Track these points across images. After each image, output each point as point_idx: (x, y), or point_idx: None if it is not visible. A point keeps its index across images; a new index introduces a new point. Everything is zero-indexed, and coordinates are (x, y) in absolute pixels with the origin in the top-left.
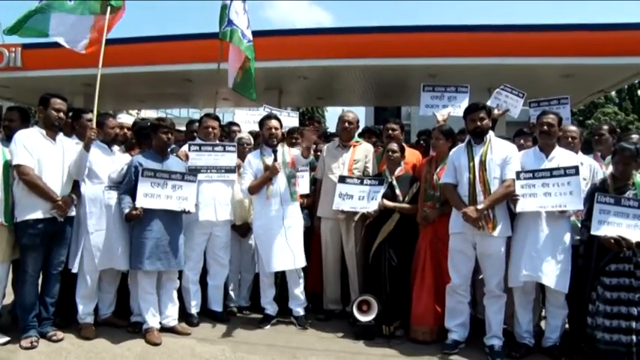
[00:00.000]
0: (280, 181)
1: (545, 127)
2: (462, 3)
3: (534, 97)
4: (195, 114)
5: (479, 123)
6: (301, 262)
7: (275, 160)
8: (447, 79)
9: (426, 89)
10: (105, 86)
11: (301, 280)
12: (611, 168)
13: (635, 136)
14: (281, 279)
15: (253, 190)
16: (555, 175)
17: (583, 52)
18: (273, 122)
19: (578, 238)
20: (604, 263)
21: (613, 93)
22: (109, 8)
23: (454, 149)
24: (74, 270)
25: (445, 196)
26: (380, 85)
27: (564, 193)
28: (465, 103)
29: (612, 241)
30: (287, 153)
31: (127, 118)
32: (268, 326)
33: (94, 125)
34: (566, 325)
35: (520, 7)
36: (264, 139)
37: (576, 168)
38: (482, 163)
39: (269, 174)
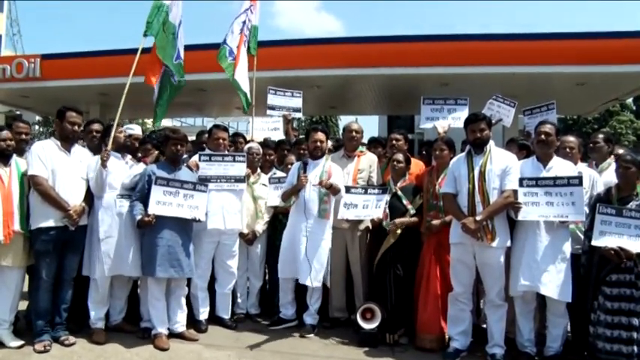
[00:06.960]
0: (307, 195)
1: (543, 137)
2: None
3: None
4: (210, 123)
5: (479, 134)
6: (318, 280)
7: (304, 172)
8: (459, 88)
9: (425, 102)
10: (120, 96)
11: (318, 297)
12: (604, 176)
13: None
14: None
15: (283, 197)
16: (558, 184)
17: (596, 61)
18: (319, 135)
19: (578, 247)
20: (605, 273)
21: (629, 100)
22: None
23: (454, 159)
24: (87, 274)
25: (445, 205)
26: (393, 94)
27: (567, 204)
28: (464, 115)
29: (612, 252)
30: (328, 168)
31: (137, 129)
32: (276, 328)
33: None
34: (569, 334)
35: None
36: (309, 150)
37: (580, 178)
38: (482, 173)
39: (297, 186)
